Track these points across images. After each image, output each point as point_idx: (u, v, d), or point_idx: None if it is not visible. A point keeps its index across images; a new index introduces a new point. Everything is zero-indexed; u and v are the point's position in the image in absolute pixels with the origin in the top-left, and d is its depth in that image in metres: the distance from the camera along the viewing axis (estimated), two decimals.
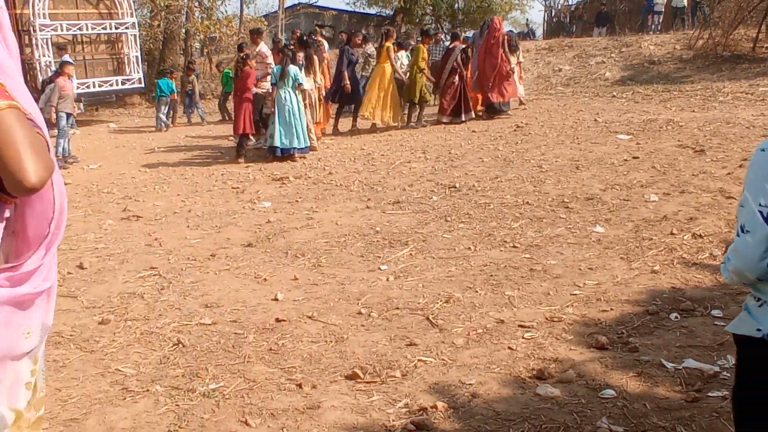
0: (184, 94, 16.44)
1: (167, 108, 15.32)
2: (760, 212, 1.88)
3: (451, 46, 13.35)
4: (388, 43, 12.75)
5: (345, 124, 13.11)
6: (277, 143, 10.33)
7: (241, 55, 12.42)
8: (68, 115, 11.29)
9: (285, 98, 10.34)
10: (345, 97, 12.68)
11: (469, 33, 16.00)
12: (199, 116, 16.20)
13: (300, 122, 10.45)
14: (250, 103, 10.82)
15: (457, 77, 13.00)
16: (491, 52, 13.22)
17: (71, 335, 4.55)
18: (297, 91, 10.48)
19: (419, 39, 14.03)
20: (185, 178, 9.68)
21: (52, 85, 11.34)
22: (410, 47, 14.10)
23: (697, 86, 14.72)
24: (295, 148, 10.41)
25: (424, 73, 12.86)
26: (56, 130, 10.99)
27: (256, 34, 13.07)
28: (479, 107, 13.70)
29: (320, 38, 13.72)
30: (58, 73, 11.63)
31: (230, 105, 15.04)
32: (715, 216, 6.28)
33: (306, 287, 5.24)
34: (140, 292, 5.29)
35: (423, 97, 12.99)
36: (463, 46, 13.31)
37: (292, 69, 10.46)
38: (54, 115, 10.95)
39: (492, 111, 13.35)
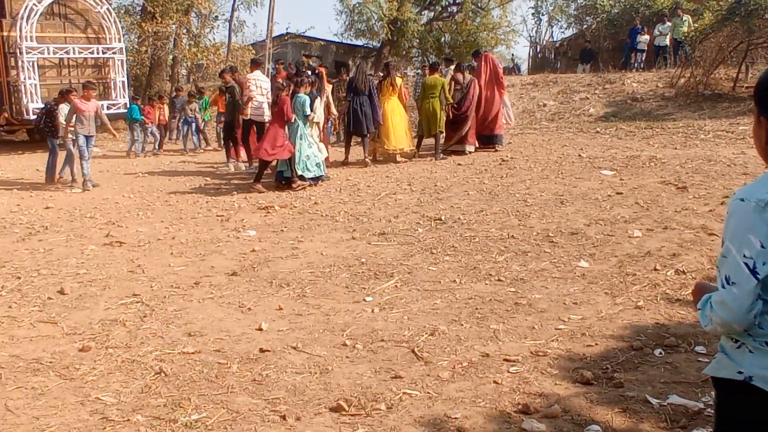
0: (178, 120, 16.46)
1: (138, 133, 15.35)
2: (746, 264, 1.87)
3: (473, 80, 13.34)
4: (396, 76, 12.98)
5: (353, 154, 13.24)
6: (295, 172, 10.45)
7: (222, 85, 12.68)
8: (87, 137, 10.99)
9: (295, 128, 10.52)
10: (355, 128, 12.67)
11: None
12: (193, 143, 16.12)
13: (310, 151, 10.61)
14: (279, 128, 10.44)
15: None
16: (489, 86, 13.39)
17: (50, 362, 4.48)
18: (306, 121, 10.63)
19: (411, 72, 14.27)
20: (170, 205, 9.64)
21: (63, 106, 11.28)
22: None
23: (679, 124, 14.94)
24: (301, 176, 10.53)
25: (446, 105, 12.88)
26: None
27: (255, 64, 13.26)
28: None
29: (322, 69, 13.82)
30: (62, 95, 11.53)
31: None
32: (697, 252, 6.33)
33: (290, 317, 5.20)
34: (122, 319, 5.23)
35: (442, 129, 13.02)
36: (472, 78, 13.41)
37: (302, 97, 10.63)
38: (70, 137, 10.96)
39: (491, 143, 13.47)
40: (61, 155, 11.59)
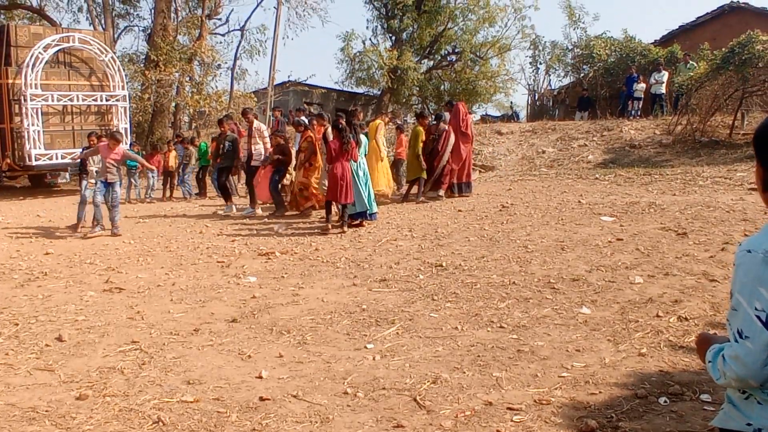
0: (180, 166, 16.60)
1: (136, 179, 15.48)
2: (758, 317, 1.84)
3: (447, 129, 13.67)
4: (377, 122, 13.32)
5: None
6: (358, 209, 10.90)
7: (221, 134, 12.98)
8: (106, 183, 11.01)
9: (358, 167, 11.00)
10: None
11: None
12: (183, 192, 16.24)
13: (368, 188, 11.19)
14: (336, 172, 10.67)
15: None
16: (464, 135, 13.84)
17: (46, 411, 4.41)
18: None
19: (409, 120, 14.61)
20: (170, 251, 9.62)
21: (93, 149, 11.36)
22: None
23: (677, 170, 15.04)
24: (361, 212, 11.00)
25: (419, 154, 13.35)
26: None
27: (248, 112, 13.41)
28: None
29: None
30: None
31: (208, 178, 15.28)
32: (699, 299, 6.31)
33: (291, 365, 5.15)
34: (120, 367, 5.17)
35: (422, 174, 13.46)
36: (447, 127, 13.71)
37: (363, 139, 11.40)
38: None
39: (460, 190, 13.92)
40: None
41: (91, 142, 11.56)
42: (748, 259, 1.89)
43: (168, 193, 16.27)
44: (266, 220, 12.12)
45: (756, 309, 1.84)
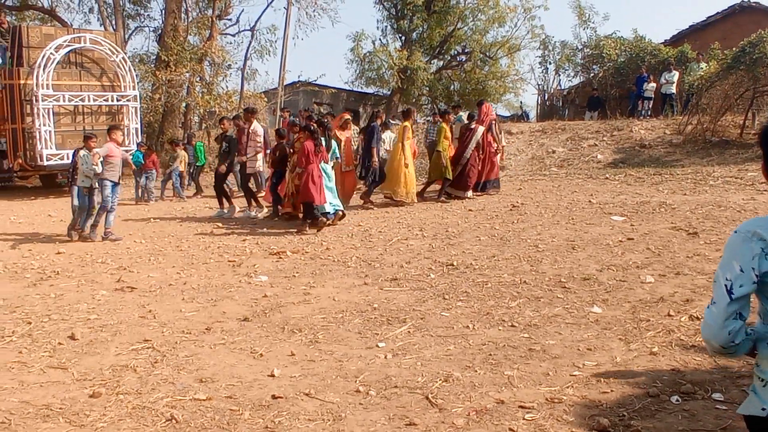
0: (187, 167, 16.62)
1: (144, 180, 15.45)
2: (725, 285, 2.11)
3: (472, 127, 13.71)
4: (405, 123, 13.20)
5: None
6: (329, 209, 10.94)
7: (222, 134, 12.86)
8: (115, 185, 10.68)
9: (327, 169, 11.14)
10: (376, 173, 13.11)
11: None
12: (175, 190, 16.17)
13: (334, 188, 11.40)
14: (311, 174, 10.74)
15: (477, 155, 13.60)
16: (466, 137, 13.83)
17: (60, 408, 4.44)
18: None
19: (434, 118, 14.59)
20: (181, 250, 9.66)
21: (84, 152, 10.53)
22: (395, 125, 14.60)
23: (687, 170, 14.99)
24: (332, 212, 11.06)
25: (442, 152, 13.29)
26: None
27: (250, 113, 13.18)
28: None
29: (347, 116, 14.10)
30: (84, 141, 10.86)
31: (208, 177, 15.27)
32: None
33: (303, 363, 5.17)
34: (133, 365, 5.20)
35: (446, 174, 13.36)
36: (484, 127, 13.76)
37: (334, 143, 11.62)
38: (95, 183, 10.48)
39: (484, 188, 13.87)
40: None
41: (92, 145, 10.92)
42: (733, 239, 2.15)
43: (175, 193, 16.23)
44: (276, 220, 12.14)
45: (726, 279, 2.11)
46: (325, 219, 10.81)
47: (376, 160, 12.89)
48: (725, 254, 2.16)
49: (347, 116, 13.50)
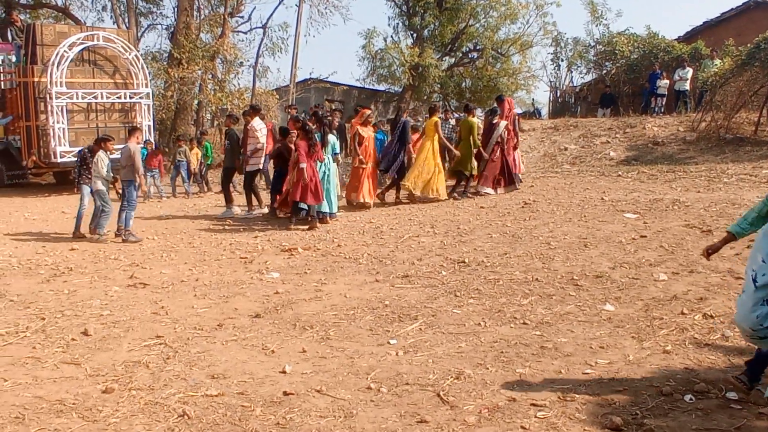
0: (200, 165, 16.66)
1: (149, 178, 15.48)
2: (751, 275, 2.46)
3: (495, 122, 13.69)
4: (435, 118, 13.17)
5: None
6: (324, 208, 11.07)
7: (226, 130, 12.85)
8: (130, 181, 10.53)
9: (323, 165, 11.16)
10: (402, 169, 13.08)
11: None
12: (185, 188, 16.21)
13: (332, 188, 11.34)
14: (303, 172, 10.74)
15: (499, 151, 13.56)
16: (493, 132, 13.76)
17: (73, 404, 4.47)
18: (333, 160, 11.45)
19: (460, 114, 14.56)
20: (193, 247, 9.69)
21: (102, 153, 10.41)
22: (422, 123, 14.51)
23: (701, 167, 14.87)
24: (325, 212, 11.15)
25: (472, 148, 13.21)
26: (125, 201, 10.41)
27: (254, 111, 13.20)
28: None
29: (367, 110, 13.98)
30: (99, 143, 10.71)
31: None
32: (725, 296, 6.24)
33: (314, 360, 5.17)
34: (145, 361, 5.23)
35: (471, 171, 13.32)
36: (506, 122, 13.76)
37: (332, 138, 11.57)
38: (143, 181, 10.45)
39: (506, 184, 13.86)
40: (91, 206, 10.79)
41: (110, 147, 10.86)
42: (759, 234, 2.53)
43: (195, 190, 16.28)
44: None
45: (752, 270, 2.46)
46: (316, 218, 10.86)
47: (412, 155, 12.95)
48: (753, 248, 2.51)
49: (368, 111, 13.37)
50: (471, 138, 13.12)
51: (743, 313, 2.49)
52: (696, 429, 3.86)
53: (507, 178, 13.74)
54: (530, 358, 5.06)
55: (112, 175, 10.56)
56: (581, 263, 7.69)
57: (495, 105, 14.72)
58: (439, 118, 13.74)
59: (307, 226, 10.81)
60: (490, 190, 13.47)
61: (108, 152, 10.55)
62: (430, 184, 12.97)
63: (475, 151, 13.23)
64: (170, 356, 5.33)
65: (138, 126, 11.89)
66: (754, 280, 2.42)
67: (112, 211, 10.56)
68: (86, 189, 10.87)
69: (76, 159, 11.98)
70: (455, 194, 13.31)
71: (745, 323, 2.47)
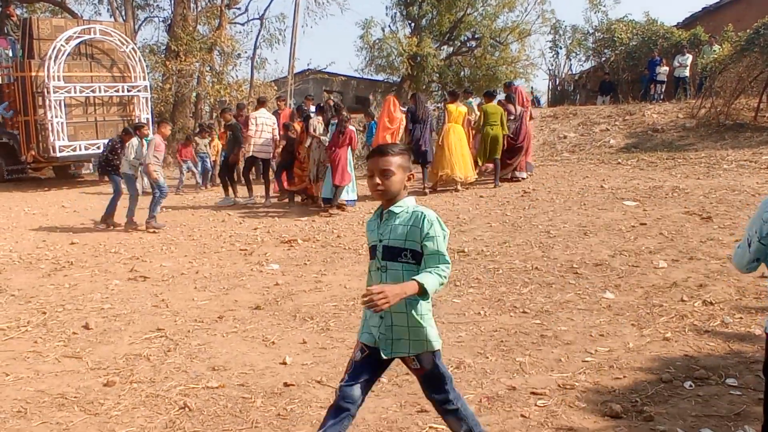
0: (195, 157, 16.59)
1: (187, 169, 15.56)
2: (747, 238, 2.78)
3: (516, 110, 13.63)
4: (462, 107, 13.21)
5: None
6: (326, 194, 11.25)
7: (227, 124, 13.02)
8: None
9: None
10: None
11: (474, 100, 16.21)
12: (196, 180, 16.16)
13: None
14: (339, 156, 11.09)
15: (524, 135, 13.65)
16: (523, 118, 13.78)
17: (75, 397, 4.49)
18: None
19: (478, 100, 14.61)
20: (193, 239, 9.70)
21: (134, 141, 10.53)
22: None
23: (701, 154, 14.84)
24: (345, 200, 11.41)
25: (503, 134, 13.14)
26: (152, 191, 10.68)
27: (259, 103, 13.76)
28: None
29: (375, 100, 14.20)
30: (129, 132, 10.86)
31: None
32: (724, 283, 6.24)
33: (315, 351, 5.19)
34: (146, 354, 5.24)
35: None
36: (525, 109, 13.79)
37: (320, 127, 11.74)
38: (155, 175, 10.42)
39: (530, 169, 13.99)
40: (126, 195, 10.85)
41: (145, 132, 10.87)
42: (762, 202, 2.76)
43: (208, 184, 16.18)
44: (288, 208, 12.16)
45: (749, 234, 2.77)
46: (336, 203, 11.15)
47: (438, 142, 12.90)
48: (756, 213, 2.75)
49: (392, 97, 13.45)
50: (500, 123, 12.90)
51: (739, 267, 2.88)
52: (696, 415, 3.87)
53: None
54: (530, 346, 5.07)
55: (139, 161, 10.65)
56: (581, 251, 7.69)
57: (507, 92, 14.42)
58: (438, 107, 13.71)
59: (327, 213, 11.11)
60: (524, 174, 13.53)
61: (142, 138, 10.70)
62: (466, 170, 12.87)
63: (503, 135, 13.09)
64: (171, 349, 5.35)
65: (164, 120, 12.16)
66: (749, 241, 2.77)
67: (162, 196, 10.73)
68: (117, 178, 10.94)
69: (101, 150, 12.00)
70: (497, 182, 13.08)
71: (738, 269, 2.92)
